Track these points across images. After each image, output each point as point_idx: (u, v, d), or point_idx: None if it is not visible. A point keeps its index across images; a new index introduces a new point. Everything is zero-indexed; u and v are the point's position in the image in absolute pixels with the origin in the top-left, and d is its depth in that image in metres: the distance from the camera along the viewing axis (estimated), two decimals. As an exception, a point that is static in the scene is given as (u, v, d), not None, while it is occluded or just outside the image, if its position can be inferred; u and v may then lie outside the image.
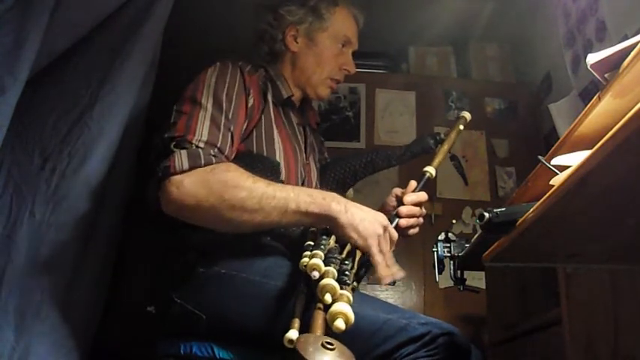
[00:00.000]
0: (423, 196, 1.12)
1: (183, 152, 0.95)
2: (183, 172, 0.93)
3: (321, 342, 0.65)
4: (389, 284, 1.97)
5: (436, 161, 1.18)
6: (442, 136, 1.28)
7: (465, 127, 1.29)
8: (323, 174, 1.37)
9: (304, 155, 1.27)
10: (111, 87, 1.47)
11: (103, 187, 1.46)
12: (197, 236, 1.05)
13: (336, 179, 1.37)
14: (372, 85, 2.33)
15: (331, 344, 0.65)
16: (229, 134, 1.03)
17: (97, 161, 1.42)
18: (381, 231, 0.94)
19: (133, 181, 1.62)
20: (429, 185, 1.14)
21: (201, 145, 0.97)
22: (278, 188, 0.95)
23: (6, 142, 1.24)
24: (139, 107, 1.59)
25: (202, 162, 0.94)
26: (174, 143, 0.97)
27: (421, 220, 1.12)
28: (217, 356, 1.01)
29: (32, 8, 1.24)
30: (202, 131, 0.99)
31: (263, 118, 1.15)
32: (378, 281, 0.92)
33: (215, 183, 0.93)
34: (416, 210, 1.10)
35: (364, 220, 0.93)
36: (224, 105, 1.06)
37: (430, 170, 1.15)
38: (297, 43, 1.29)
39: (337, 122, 2.26)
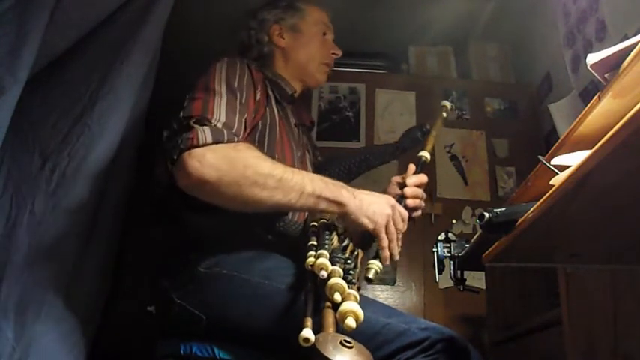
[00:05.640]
0: (423, 177, 1.15)
1: (206, 128, 0.94)
2: (205, 145, 0.92)
3: (339, 340, 0.65)
4: (389, 284, 1.98)
5: (429, 146, 1.23)
6: (427, 127, 1.36)
7: (447, 114, 1.35)
8: (318, 174, 1.37)
9: (299, 155, 1.27)
10: (111, 87, 1.47)
11: (103, 186, 1.46)
12: (201, 229, 1.06)
13: (331, 178, 1.38)
14: (372, 85, 2.32)
15: (349, 342, 0.65)
16: (243, 120, 1.04)
17: (97, 161, 1.42)
18: (389, 211, 0.98)
19: (133, 181, 1.62)
20: (426, 171, 1.18)
21: (220, 125, 0.97)
22: (295, 172, 0.97)
23: (6, 142, 1.24)
24: (139, 107, 1.59)
25: (225, 138, 0.94)
26: (193, 120, 0.96)
27: (423, 203, 1.15)
28: (217, 356, 1.00)
29: (32, 8, 1.24)
30: (220, 113, 1.00)
31: (268, 115, 1.16)
32: (383, 261, 0.96)
33: (238, 159, 0.93)
34: (419, 191, 1.13)
35: (373, 204, 0.98)
36: (237, 92, 1.07)
37: (425, 155, 1.19)
38: (283, 39, 1.33)
39: (337, 122, 2.26)
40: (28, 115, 1.38)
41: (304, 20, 1.34)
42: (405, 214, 1.03)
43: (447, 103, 1.36)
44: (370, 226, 0.96)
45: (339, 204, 0.96)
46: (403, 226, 1.02)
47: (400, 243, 1.02)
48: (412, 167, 1.17)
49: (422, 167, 1.17)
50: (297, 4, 1.35)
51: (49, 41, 1.32)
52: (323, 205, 0.96)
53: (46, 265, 1.32)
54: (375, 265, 0.95)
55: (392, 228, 0.99)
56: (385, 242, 0.97)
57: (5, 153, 1.33)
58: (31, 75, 1.28)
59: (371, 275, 0.93)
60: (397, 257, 1.00)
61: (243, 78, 1.12)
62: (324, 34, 1.36)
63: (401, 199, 1.09)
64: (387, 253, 0.97)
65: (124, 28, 1.54)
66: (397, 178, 1.19)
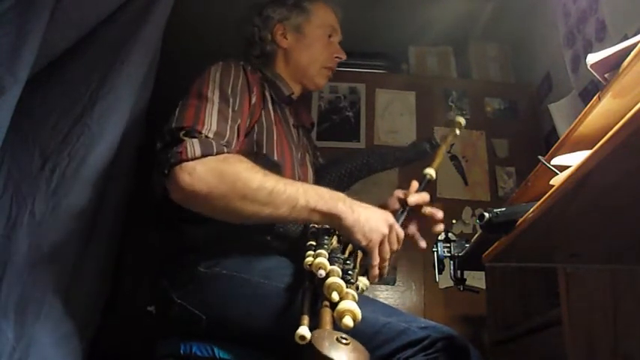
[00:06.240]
0: (425, 196, 1.13)
1: (195, 141, 0.94)
2: (195, 159, 0.92)
3: (335, 337, 0.65)
4: (389, 284, 1.98)
5: (436, 163, 1.19)
6: (437, 140, 1.31)
7: (460, 131, 1.29)
8: (319, 176, 1.37)
9: (299, 156, 1.27)
10: (111, 87, 1.47)
11: (103, 187, 1.46)
12: (198, 236, 1.06)
13: (332, 181, 1.37)
14: (372, 85, 2.32)
15: (345, 339, 0.65)
16: (236, 127, 1.04)
17: (97, 161, 1.42)
18: (386, 230, 0.96)
19: (133, 181, 1.62)
20: (429, 186, 1.15)
21: (211, 135, 0.97)
22: (288, 183, 0.96)
23: (6, 142, 1.24)
24: (139, 107, 1.59)
25: (214, 151, 0.94)
26: (183, 132, 0.96)
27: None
28: (217, 356, 1.00)
29: (32, 8, 1.24)
30: (211, 122, 0.99)
31: (264, 117, 1.16)
32: (370, 279, 0.95)
33: (228, 172, 0.93)
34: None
35: (370, 220, 0.95)
36: (230, 99, 1.07)
37: (430, 172, 1.16)
38: (286, 39, 1.31)
39: (337, 122, 2.26)
40: (28, 115, 1.38)
41: (309, 21, 1.32)
42: (402, 234, 1.00)
43: (462, 120, 1.30)
44: (364, 242, 0.94)
45: (335, 217, 0.94)
46: (397, 247, 0.99)
47: (390, 262, 1.00)
48: (415, 184, 1.14)
49: (426, 185, 1.14)
50: (304, 4, 1.33)
51: (49, 41, 1.32)
52: (317, 218, 0.95)
53: (46, 265, 1.32)
54: (362, 282, 0.93)
55: (386, 247, 0.96)
56: (376, 261, 0.95)
57: (5, 153, 1.33)
58: (31, 75, 1.28)
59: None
60: (385, 277, 0.99)
61: (238, 82, 1.11)
62: (330, 36, 1.34)
63: (399, 215, 1.07)
64: (376, 272, 0.96)
65: (124, 28, 1.54)
66: (399, 193, 1.16)
